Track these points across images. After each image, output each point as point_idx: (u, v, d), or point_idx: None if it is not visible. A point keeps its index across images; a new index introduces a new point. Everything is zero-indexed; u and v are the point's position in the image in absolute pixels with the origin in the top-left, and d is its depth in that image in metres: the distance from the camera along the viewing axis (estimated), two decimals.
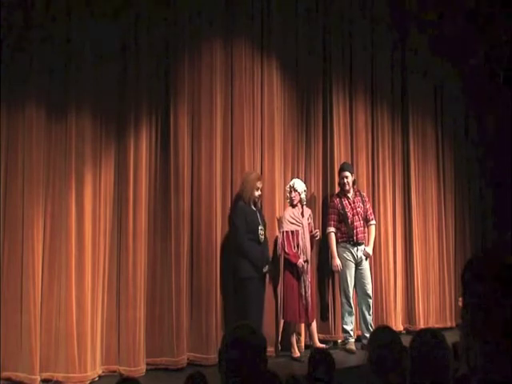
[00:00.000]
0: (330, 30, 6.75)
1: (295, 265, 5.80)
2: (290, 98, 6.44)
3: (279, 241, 5.92)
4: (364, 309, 6.29)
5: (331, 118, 6.68)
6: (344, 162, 6.50)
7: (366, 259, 6.36)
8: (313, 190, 6.52)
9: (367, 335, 6.22)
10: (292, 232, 5.88)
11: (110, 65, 5.38)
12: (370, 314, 6.30)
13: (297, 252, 5.83)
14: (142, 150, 5.47)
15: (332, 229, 6.29)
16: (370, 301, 6.35)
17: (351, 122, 6.87)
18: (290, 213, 5.96)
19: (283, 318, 5.92)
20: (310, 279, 5.88)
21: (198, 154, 5.75)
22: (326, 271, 6.48)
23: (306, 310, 5.84)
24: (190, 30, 5.75)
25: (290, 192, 5.99)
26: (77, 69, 5.19)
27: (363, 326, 6.29)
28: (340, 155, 6.67)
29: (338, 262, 6.20)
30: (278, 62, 6.31)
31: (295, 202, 5.98)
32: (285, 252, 5.85)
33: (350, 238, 6.25)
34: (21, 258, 4.96)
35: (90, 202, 5.18)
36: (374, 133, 7.04)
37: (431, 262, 7.32)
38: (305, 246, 5.88)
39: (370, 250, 6.42)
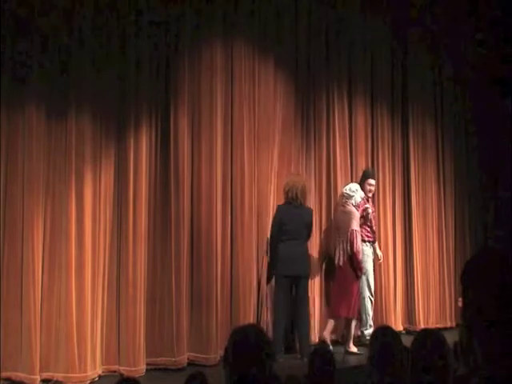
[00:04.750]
0: (330, 30, 6.75)
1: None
2: (290, 98, 6.44)
3: (355, 239, 6.05)
4: (369, 307, 6.45)
5: (331, 118, 6.68)
6: (370, 169, 6.73)
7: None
8: (313, 191, 6.51)
9: (369, 332, 6.29)
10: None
11: (109, 65, 5.38)
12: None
13: None
14: (142, 150, 5.47)
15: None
16: (373, 299, 6.54)
17: (351, 123, 6.87)
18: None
19: (338, 314, 6.07)
20: None
21: (197, 154, 5.75)
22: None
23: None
24: (190, 31, 5.75)
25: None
26: (77, 69, 5.20)
27: (365, 322, 6.44)
28: (340, 155, 6.66)
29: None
30: (277, 62, 6.31)
31: None
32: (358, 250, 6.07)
33: (374, 239, 6.57)
34: (21, 258, 4.96)
35: (89, 202, 5.18)
36: (373, 133, 7.03)
37: (431, 262, 7.32)
38: None
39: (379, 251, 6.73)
